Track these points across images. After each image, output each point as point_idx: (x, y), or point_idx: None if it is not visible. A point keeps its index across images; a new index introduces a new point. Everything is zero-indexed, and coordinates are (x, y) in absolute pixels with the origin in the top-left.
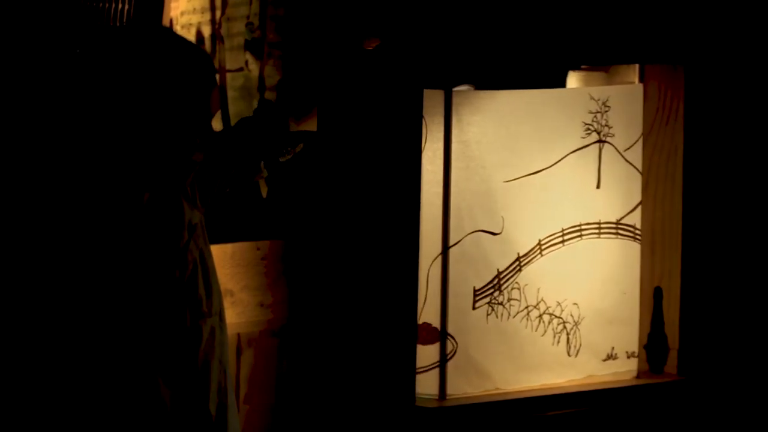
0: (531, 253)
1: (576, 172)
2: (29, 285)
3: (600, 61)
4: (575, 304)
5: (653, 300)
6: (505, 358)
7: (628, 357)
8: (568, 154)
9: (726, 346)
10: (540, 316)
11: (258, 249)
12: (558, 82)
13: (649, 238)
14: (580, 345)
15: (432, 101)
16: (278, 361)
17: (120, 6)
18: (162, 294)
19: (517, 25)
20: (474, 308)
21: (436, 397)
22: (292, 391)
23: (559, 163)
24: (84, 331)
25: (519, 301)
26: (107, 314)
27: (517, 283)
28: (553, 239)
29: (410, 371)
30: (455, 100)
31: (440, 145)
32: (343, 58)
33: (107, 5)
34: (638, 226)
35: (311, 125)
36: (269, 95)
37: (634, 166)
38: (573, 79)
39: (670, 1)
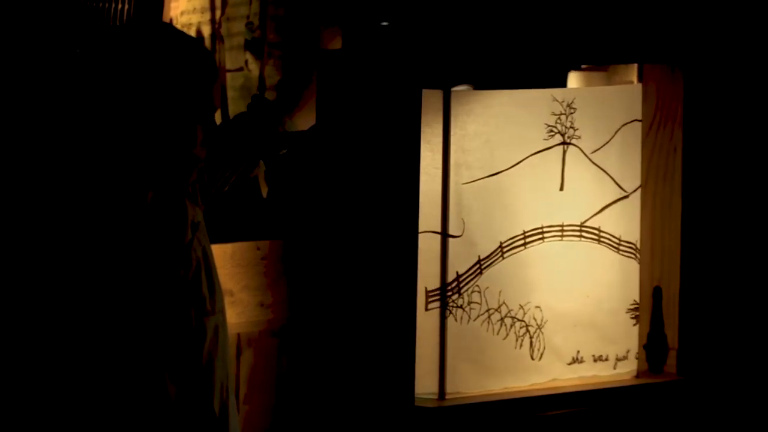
0: (492, 255)
1: (538, 174)
2: (36, 285)
3: (599, 60)
4: (538, 307)
5: (652, 300)
6: (466, 362)
7: (595, 361)
8: (529, 156)
9: (725, 346)
10: (502, 319)
11: (258, 249)
12: (557, 82)
13: (648, 238)
14: (544, 348)
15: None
16: (278, 361)
17: (120, 6)
18: (167, 292)
19: (515, 25)
20: (426, 309)
21: (436, 397)
22: (292, 391)
23: (520, 165)
24: (92, 329)
25: (480, 304)
26: (114, 313)
27: (477, 286)
28: (514, 242)
29: (410, 371)
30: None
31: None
32: (343, 58)
33: (107, 5)
34: (603, 228)
35: (310, 116)
36: (269, 95)
37: (602, 169)
38: (573, 79)
39: (670, 2)
